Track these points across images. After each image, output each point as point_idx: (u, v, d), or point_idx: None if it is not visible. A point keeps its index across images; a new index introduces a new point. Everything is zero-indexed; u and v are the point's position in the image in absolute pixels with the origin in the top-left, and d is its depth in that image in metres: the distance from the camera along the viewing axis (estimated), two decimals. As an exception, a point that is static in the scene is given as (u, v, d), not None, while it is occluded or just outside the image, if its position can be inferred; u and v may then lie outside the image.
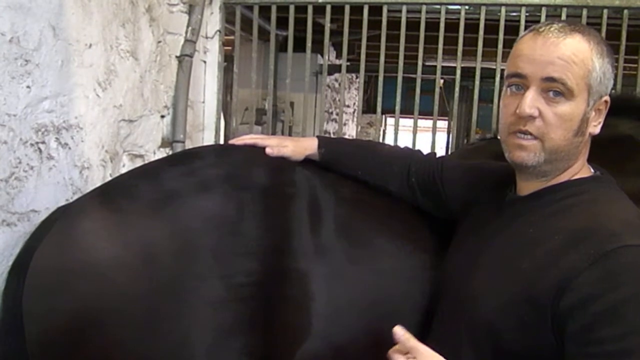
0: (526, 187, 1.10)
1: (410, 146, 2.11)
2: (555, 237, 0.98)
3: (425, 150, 1.55)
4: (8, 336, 1.23)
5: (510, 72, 1.04)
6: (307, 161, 1.45)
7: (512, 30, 2.17)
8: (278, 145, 1.43)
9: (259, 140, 1.46)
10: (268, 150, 1.42)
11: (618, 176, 1.19)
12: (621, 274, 0.89)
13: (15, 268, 1.29)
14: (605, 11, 2.15)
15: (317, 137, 1.49)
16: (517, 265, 1.01)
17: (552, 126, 1.01)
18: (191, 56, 2.21)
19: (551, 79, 0.99)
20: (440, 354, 0.99)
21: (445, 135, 7.72)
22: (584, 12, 2.14)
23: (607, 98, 1.04)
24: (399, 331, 0.99)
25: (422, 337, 1.18)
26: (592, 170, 1.10)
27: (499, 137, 1.12)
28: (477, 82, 2.34)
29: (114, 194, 1.27)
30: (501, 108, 1.09)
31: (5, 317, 1.26)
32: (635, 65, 2.38)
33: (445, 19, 2.30)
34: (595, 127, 1.05)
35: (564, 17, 2.14)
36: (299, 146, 1.46)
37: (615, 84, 2.16)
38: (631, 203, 1.04)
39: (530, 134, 1.02)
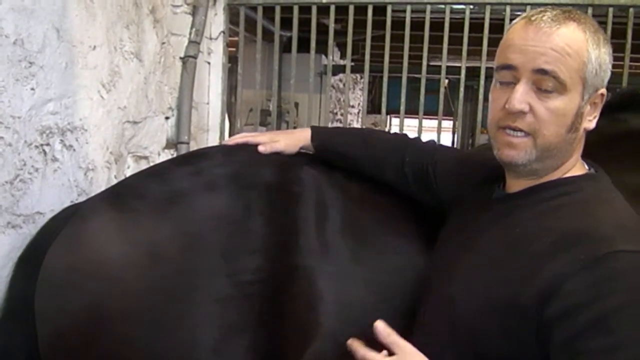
0: (515, 184, 1.04)
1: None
2: (543, 239, 0.92)
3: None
4: (15, 330, 1.25)
5: (500, 63, 0.98)
6: (314, 159, 1.45)
7: (517, 29, 2.16)
8: (270, 141, 1.42)
9: (250, 138, 1.44)
10: (260, 148, 1.40)
11: (629, 171, 1.17)
12: (612, 281, 0.84)
13: (23, 262, 1.32)
14: (610, 10, 2.14)
15: (311, 127, 1.47)
16: (501, 267, 0.96)
17: (545, 122, 0.94)
18: (195, 57, 2.21)
19: (543, 71, 0.92)
20: (422, 353, 0.95)
21: (450, 135, 7.72)
22: (590, 10, 2.13)
23: (603, 91, 0.97)
24: (381, 326, 0.96)
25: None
26: (587, 167, 1.04)
27: None
28: (482, 82, 2.33)
29: (124, 195, 1.30)
30: (490, 102, 1.02)
31: (12, 310, 1.28)
32: (641, 64, 2.37)
33: (450, 18, 2.29)
34: (590, 122, 0.98)
35: (569, 15, 2.13)
36: (291, 139, 1.44)
37: (620, 83, 2.15)
38: (626, 204, 0.97)
39: (521, 130, 0.95)
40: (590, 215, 0.92)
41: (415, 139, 1.46)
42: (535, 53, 0.92)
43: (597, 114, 0.99)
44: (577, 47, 0.92)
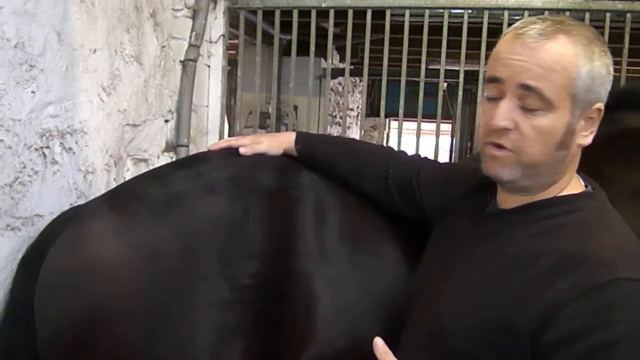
0: (508, 200, 1.00)
1: (414, 150, 2.10)
2: (541, 261, 0.88)
3: (430, 154, 1.52)
4: (17, 331, 1.26)
5: (489, 76, 0.95)
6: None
7: (516, 34, 2.17)
8: (252, 144, 1.42)
9: (233, 142, 1.45)
10: (241, 150, 1.40)
11: (628, 170, 1.17)
12: (613, 310, 0.80)
13: (24, 264, 1.33)
14: (608, 15, 2.15)
15: (297, 132, 1.47)
16: (495, 289, 0.91)
17: (530, 140, 0.90)
18: (195, 61, 2.21)
19: (527, 88, 0.88)
20: None
21: (449, 138, 7.73)
22: (587, 15, 2.15)
23: (599, 106, 0.91)
24: (380, 344, 0.93)
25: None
26: (583, 183, 1.00)
27: None
28: (480, 86, 2.34)
29: (124, 198, 1.30)
30: (481, 115, 0.99)
31: (14, 311, 1.29)
32: (639, 68, 2.38)
33: (449, 23, 2.30)
34: (585, 138, 0.94)
35: (567, 20, 2.14)
36: (275, 141, 1.44)
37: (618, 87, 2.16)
38: (626, 226, 0.93)
39: (505, 148, 0.92)
40: (589, 238, 0.88)
41: (400, 152, 1.43)
42: (520, 67, 0.89)
43: (594, 129, 0.94)
44: (564, 63, 0.88)
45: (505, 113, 0.90)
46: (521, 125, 0.90)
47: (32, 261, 1.28)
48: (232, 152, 1.43)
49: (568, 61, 0.88)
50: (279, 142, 1.44)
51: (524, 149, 0.91)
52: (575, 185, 0.98)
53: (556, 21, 0.91)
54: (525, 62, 0.89)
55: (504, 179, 0.95)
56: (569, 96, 0.89)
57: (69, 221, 1.28)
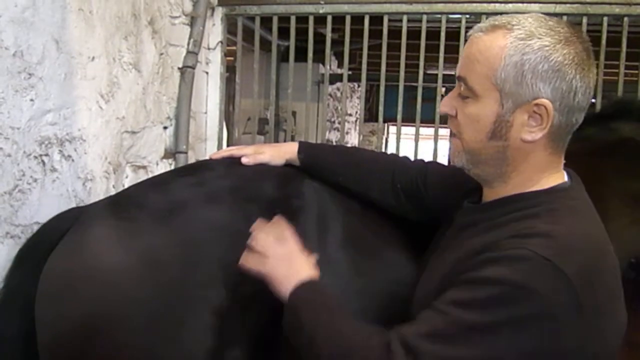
0: (488, 195, 1.04)
1: (413, 154, 2.10)
2: (479, 250, 0.92)
3: (428, 159, 1.52)
4: (9, 320, 1.26)
5: None
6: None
7: (513, 38, 2.17)
8: (254, 153, 1.42)
9: (235, 151, 1.45)
10: (243, 159, 1.41)
11: (625, 178, 1.18)
12: (495, 262, 0.86)
13: (20, 257, 1.32)
14: (605, 19, 2.15)
15: (299, 142, 1.48)
16: (441, 275, 0.98)
17: (462, 126, 0.98)
18: (193, 67, 2.22)
19: (459, 78, 0.98)
20: None
21: (447, 142, 7.72)
22: (584, 20, 2.15)
23: (542, 101, 0.90)
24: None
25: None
26: (567, 179, 0.99)
27: None
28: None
29: (125, 204, 1.30)
30: None
31: (6, 300, 1.29)
32: (636, 72, 2.38)
33: (446, 27, 2.31)
34: (531, 133, 0.93)
35: (564, 24, 2.15)
36: (277, 151, 1.45)
37: (616, 90, 2.16)
38: (585, 221, 0.93)
39: (452, 132, 1.02)
40: (532, 226, 0.90)
41: (403, 157, 1.46)
42: (459, 61, 0.99)
43: (544, 125, 0.92)
44: (488, 54, 0.92)
45: (446, 100, 1.01)
46: (458, 112, 0.99)
47: (29, 255, 1.28)
48: (234, 161, 1.43)
49: (493, 52, 0.92)
50: (281, 152, 1.44)
51: (461, 134, 0.99)
52: (547, 182, 0.98)
53: (510, 17, 0.95)
54: (463, 55, 0.98)
55: (456, 164, 1.03)
56: (493, 86, 0.93)
57: (69, 220, 1.28)
